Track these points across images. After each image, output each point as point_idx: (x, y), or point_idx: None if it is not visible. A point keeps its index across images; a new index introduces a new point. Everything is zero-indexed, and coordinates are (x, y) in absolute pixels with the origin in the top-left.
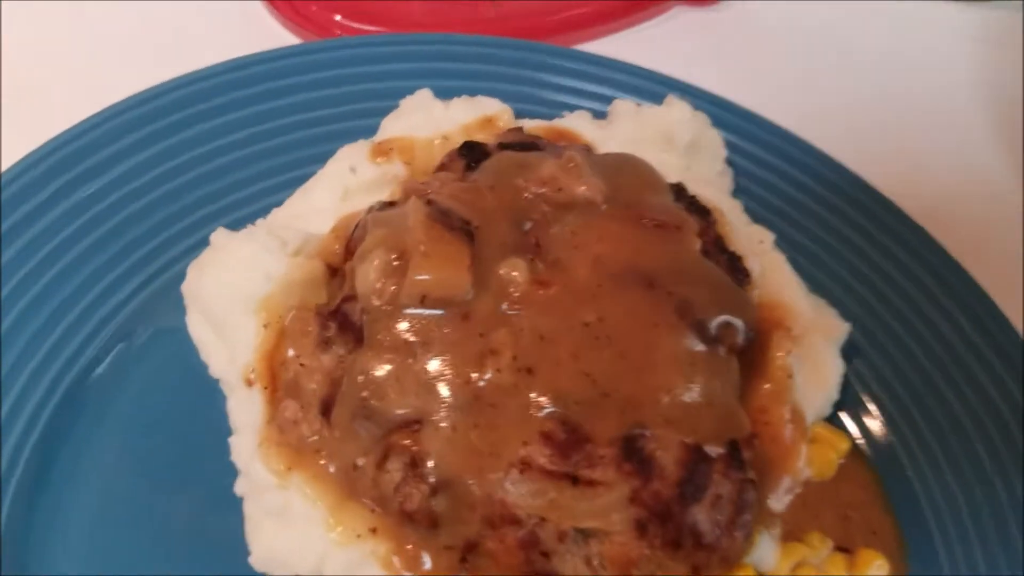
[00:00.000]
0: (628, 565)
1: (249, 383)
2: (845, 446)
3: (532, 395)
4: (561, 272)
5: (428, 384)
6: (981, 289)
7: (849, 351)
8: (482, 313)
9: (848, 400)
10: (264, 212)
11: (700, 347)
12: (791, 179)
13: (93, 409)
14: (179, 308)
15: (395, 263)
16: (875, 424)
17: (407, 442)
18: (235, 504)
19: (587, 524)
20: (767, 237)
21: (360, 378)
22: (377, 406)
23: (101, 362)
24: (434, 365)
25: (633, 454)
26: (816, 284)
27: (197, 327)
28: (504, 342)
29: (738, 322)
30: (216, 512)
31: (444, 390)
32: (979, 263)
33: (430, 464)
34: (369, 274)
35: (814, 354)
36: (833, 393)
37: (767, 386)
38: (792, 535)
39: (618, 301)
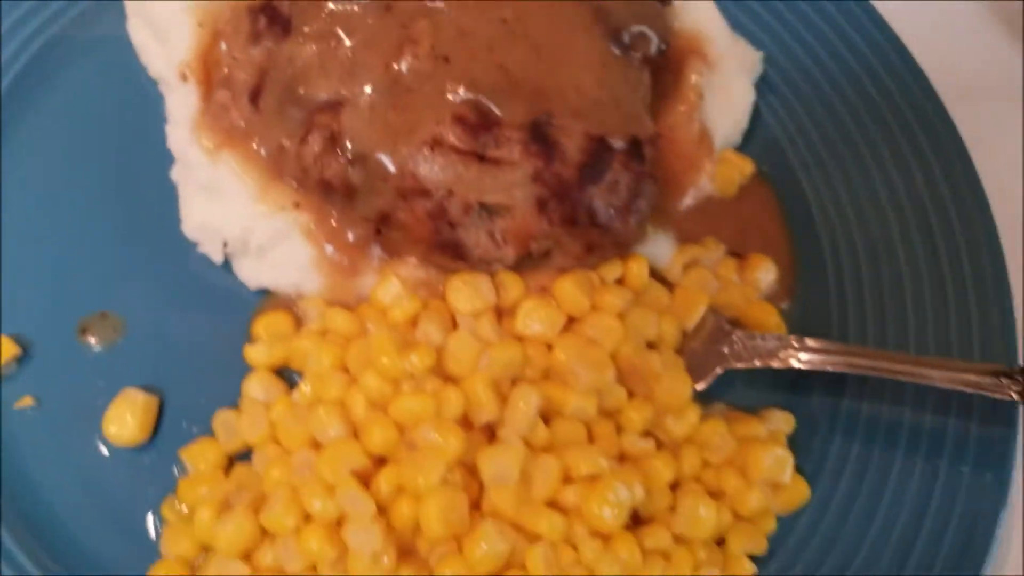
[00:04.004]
0: (526, 238)
1: (184, 78)
2: (749, 169)
3: (447, 81)
4: None
5: (349, 69)
6: (892, 31)
7: (764, 88)
8: (405, 6)
9: (761, 132)
10: None
11: (614, 52)
12: None
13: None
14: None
15: None
16: (782, 154)
17: (328, 121)
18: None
19: (491, 199)
20: None
21: (287, 65)
22: (302, 90)
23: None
24: (356, 52)
25: (539, 138)
26: (735, 21)
27: (137, 32)
28: (424, 31)
29: (652, 33)
30: (152, 198)
31: (364, 75)
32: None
33: (348, 138)
34: None
35: (727, 81)
36: (743, 120)
37: (681, 107)
38: (690, 239)
39: (538, 2)
